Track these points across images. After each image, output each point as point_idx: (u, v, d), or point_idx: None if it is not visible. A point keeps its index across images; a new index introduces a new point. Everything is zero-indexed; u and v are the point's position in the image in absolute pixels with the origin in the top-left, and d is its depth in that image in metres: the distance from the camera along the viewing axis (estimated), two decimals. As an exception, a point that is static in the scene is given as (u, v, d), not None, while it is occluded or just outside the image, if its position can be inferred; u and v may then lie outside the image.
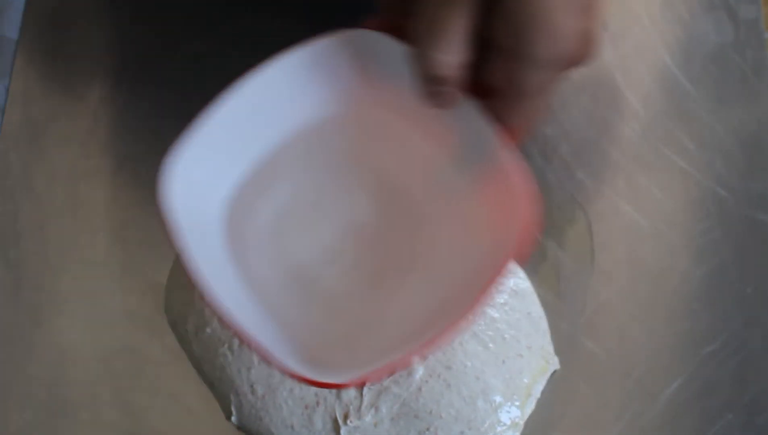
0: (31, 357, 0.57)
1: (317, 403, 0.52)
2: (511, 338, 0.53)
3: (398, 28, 0.44)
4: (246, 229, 0.47)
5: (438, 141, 0.46)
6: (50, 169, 0.63)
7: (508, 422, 0.52)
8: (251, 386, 0.53)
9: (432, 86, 0.42)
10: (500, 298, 0.54)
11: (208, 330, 0.54)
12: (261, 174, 0.48)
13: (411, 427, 0.51)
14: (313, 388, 0.52)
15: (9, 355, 0.57)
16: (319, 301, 0.46)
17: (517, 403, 0.52)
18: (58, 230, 0.60)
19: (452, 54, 0.40)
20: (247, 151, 0.48)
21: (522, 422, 0.52)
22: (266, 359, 0.42)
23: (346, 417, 0.51)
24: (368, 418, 0.51)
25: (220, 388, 0.54)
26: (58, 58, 0.67)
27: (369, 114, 0.47)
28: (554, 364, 0.54)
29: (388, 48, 0.44)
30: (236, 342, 0.53)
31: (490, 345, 0.53)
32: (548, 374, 0.54)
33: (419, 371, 0.52)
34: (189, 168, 0.45)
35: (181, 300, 0.56)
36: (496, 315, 0.54)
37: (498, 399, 0.52)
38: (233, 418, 0.53)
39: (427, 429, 0.51)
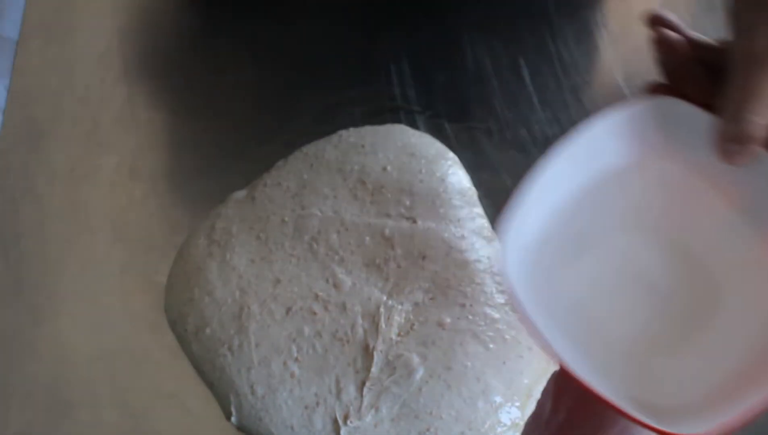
0: (31, 357, 0.57)
1: (317, 404, 0.52)
2: (512, 339, 0.53)
3: (681, 93, 0.50)
4: (546, 278, 0.50)
5: (729, 198, 0.50)
6: (50, 169, 0.63)
7: (509, 423, 0.52)
8: (251, 387, 0.53)
9: (738, 146, 0.48)
10: (501, 299, 0.54)
11: (208, 330, 0.54)
12: (558, 227, 0.51)
13: (411, 428, 0.51)
14: (313, 388, 0.52)
15: (9, 355, 0.57)
16: (614, 354, 0.48)
17: (517, 404, 0.52)
18: (58, 230, 0.60)
19: (766, 116, 0.46)
20: (551, 206, 0.51)
21: (522, 423, 0.52)
22: (627, 417, 0.44)
23: (346, 417, 0.51)
24: (368, 418, 0.51)
25: (220, 389, 0.54)
26: (58, 58, 0.67)
27: (663, 172, 0.51)
28: (554, 364, 0.54)
29: (686, 113, 0.50)
30: (236, 342, 0.53)
31: (491, 346, 0.53)
32: (548, 374, 0.54)
33: (419, 372, 0.52)
34: (517, 232, 0.49)
35: (181, 300, 0.56)
36: (497, 316, 0.54)
37: (498, 400, 0.52)
38: (233, 419, 0.53)
39: (428, 430, 0.51)
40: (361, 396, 0.51)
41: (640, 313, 0.49)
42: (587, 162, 0.51)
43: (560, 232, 0.51)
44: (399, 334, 0.53)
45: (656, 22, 0.52)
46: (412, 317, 0.54)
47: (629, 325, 0.49)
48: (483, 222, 0.58)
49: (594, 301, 0.50)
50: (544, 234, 0.50)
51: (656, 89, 0.52)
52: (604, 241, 0.51)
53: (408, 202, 0.57)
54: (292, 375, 0.52)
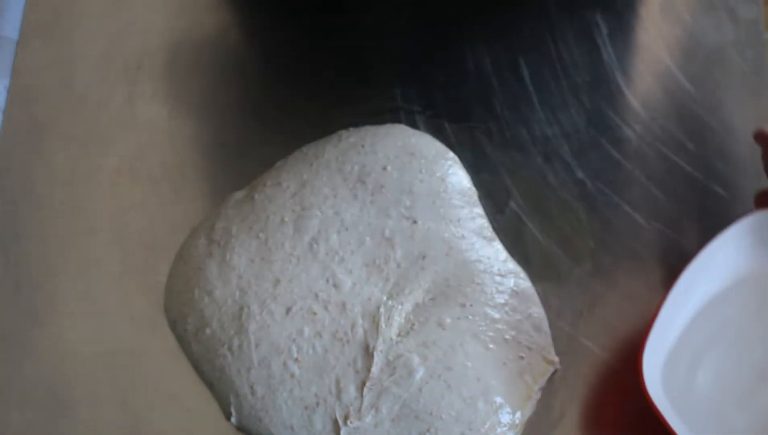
0: (31, 357, 0.57)
1: (317, 404, 0.52)
2: (512, 339, 0.53)
3: None
4: (678, 378, 0.53)
5: None
6: (50, 169, 0.63)
7: (509, 423, 0.52)
8: (251, 387, 0.53)
9: None
10: (501, 299, 0.54)
11: (208, 331, 0.54)
12: (689, 331, 0.54)
13: (411, 428, 0.51)
14: (313, 389, 0.52)
15: (9, 355, 0.57)
16: None
17: (517, 404, 0.52)
18: (58, 230, 0.60)
19: None
20: (680, 316, 0.54)
21: (522, 423, 0.52)
22: None
23: (346, 418, 0.51)
24: (369, 418, 0.51)
25: (220, 389, 0.54)
26: (58, 58, 0.67)
27: None
28: (554, 364, 0.54)
29: None
30: (236, 342, 0.53)
31: (491, 346, 0.53)
32: (548, 375, 0.54)
33: (420, 372, 0.52)
34: (656, 350, 0.52)
35: (181, 300, 0.56)
36: (497, 316, 0.54)
37: (498, 400, 0.52)
38: (233, 419, 0.53)
39: (428, 430, 0.51)
40: (362, 396, 0.51)
41: (761, 402, 0.52)
42: (714, 271, 0.54)
43: (691, 335, 0.54)
44: (399, 334, 0.53)
45: (764, 138, 0.55)
46: (412, 317, 0.54)
47: (750, 413, 0.52)
48: (483, 222, 0.58)
49: (719, 394, 0.52)
50: (679, 338, 0.54)
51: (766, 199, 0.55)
52: (728, 341, 0.54)
53: (408, 202, 0.57)
54: (292, 375, 0.52)
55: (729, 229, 0.54)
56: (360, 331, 0.53)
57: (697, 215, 0.60)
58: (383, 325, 0.53)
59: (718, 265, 0.54)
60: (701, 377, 0.53)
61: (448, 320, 0.53)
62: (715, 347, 0.53)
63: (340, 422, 0.51)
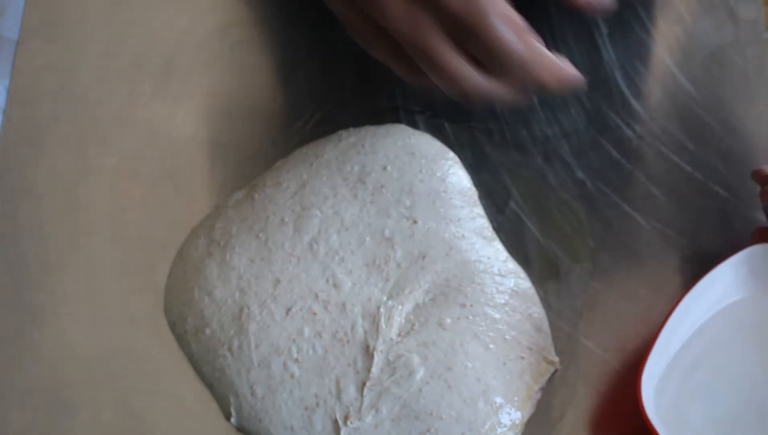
0: (31, 357, 0.57)
1: (317, 404, 0.52)
2: (512, 339, 0.53)
3: None
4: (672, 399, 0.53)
5: None
6: (50, 169, 0.63)
7: (509, 423, 0.52)
8: (251, 387, 0.53)
9: None
10: (501, 299, 0.54)
11: (208, 331, 0.54)
12: (682, 354, 0.55)
13: (411, 429, 0.51)
14: (313, 389, 0.52)
15: (9, 355, 0.57)
16: None
17: (517, 405, 0.52)
18: (58, 230, 0.60)
19: None
20: (672, 344, 0.55)
21: (522, 424, 0.52)
22: None
23: (346, 418, 0.51)
24: (369, 419, 0.51)
25: (220, 389, 0.54)
26: (58, 58, 0.67)
27: None
28: (554, 364, 0.54)
29: None
30: (236, 343, 0.53)
31: (491, 346, 0.53)
32: (548, 375, 0.54)
33: (420, 372, 0.52)
34: (650, 375, 0.53)
35: (181, 300, 0.56)
36: (497, 316, 0.54)
37: (499, 400, 0.52)
38: (233, 419, 0.53)
39: (428, 430, 0.51)
40: (362, 396, 0.51)
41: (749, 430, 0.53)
42: (709, 299, 0.55)
43: (684, 358, 0.54)
44: (399, 335, 0.53)
45: (762, 176, 0.56)
46: (412, 317, 0.54)
47: None
48: (483, 222, 0.58)
49: (714, 417, 0.53)
50: (673, 361, 0.54)
51: (765, 235, 0.56)
52: (717, 364, 0.54)
53: (408, 202, 0.57)
54: (292, 376, 0.52)
55: (726, 261, 0.55)
56: (360, 331, 0.53)
57: (696, 215, 0.60)
58: (383, 326, 0.53)
59: (712, 294, 0.55)
60: (690, 402, 0.53)
61: (448, 320, 0.53)
62: (703, 370, 0.54)
63: (340, 423, 0.51)
